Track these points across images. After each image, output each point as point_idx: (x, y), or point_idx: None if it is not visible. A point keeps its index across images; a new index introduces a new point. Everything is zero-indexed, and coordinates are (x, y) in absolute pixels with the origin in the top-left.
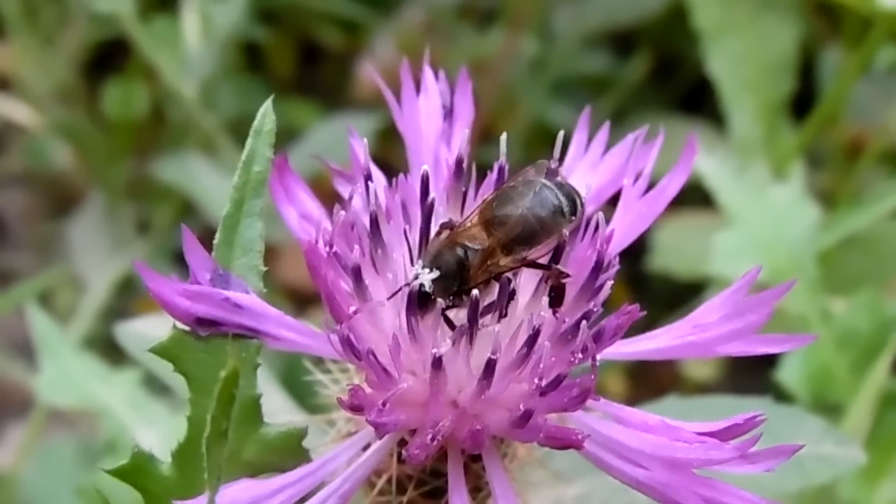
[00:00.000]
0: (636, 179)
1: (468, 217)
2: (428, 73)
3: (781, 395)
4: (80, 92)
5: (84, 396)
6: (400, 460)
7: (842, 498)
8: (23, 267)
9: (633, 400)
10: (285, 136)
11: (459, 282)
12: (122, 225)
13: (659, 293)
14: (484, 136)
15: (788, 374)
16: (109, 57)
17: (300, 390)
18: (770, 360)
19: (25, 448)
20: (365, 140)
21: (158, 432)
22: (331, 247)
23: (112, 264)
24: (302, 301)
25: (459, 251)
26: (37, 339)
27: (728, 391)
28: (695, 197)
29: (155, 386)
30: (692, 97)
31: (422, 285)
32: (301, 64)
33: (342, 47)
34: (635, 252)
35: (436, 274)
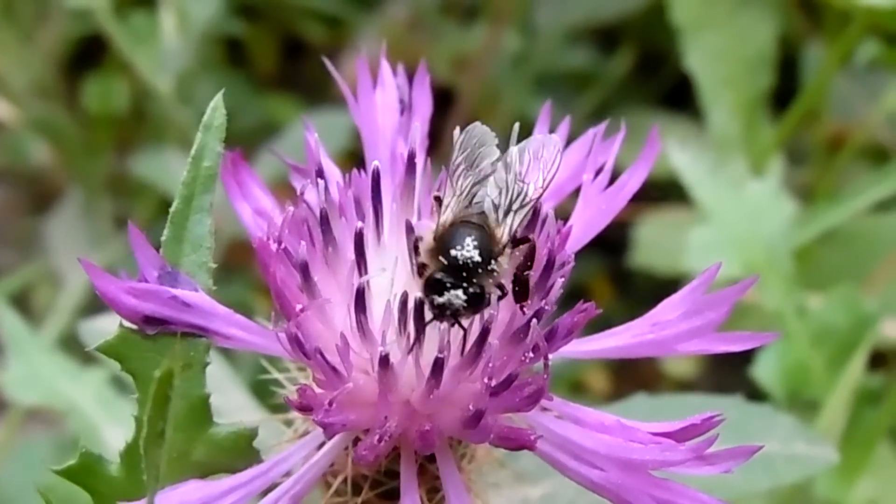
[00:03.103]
0: (597, 174)
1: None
2: (385, 67)
3: (761, 392)
4: (58, 88)
5: (52, 394)
6: (355, 461)
7: (818, 497)
8: (2, 263)
9: (615, 397)
10: (267, 132)
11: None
12: (101, 221)
13: (643, 290)
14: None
15: (763, 371)
16: (88, 52)
17: (268, 389)
18: (751, 357)
19: (2, 446)
20: (316, 134)
21: (126, 430)
22: (280, 243)
23: (90, 260)
24: None
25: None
26: (5, 336)
27: (708, 387)
28: (676, 193)
29: (125, 383)
30: (675, 93)
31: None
32: (284, 59)
33: (325, 43)
34: (619, 248)
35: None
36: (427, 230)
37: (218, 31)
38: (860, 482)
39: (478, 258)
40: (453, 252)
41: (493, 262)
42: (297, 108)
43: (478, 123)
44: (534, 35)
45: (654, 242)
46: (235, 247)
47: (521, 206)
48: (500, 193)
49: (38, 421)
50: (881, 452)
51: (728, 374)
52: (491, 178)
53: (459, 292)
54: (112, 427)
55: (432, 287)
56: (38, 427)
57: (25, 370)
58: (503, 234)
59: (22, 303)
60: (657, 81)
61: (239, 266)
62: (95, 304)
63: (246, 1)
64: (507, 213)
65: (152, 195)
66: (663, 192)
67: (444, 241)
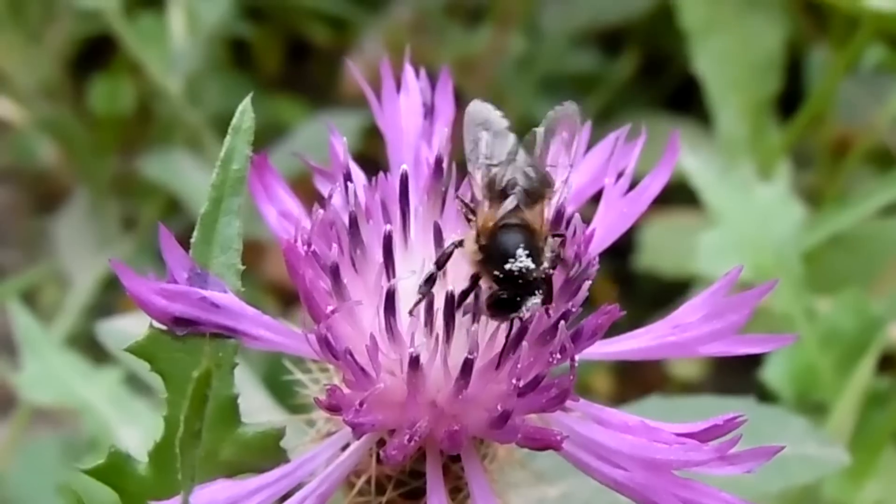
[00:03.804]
0: (618, 178)
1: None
2: (409, 70)
3: (766, 395)
4: (65, 88)
5: (66, 394)
6: (379, 461)
7: (826, 498)
8: (9, 263)
9: (619, 399)
10: (272, 134)
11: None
12: (108, 222)
13: (647, 292)
14: None
15: (773, 374)
16: (95, 53)
17: (283, 390)
18: (756, 360)
19: (9, 446)
20: (345, 138)
21: (140, 430)
22: (309, 246)
23: (97, 261)
24: (287, 299)
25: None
26: (19, 336)
27: (714, 390)
28: (682, 196)
29: (138, 383)
30: (680, 96)
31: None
32: (289, 61)
33: (330, 44)
34: (623, 251)
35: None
36: (468, 238)
37: (225, 33)
38: (868, 484)
39: (531, 265)
40: (508, 266)
41: (542, 262)
42: (301, 109)
43: (476, 102)
44: (539, 37)
45: (659, 245)
46: (244, 248)
47: (553, 192)
48: (529, 181)
49: (45, 421)
50: (888, 455)
51: (733, 376)
52: (518, 166)
53: (535, 299)
54: (126, 427)
55: (504, 306)
56: (44, 427)
57: (40, 370)
58: (543, 226)
59: (28, 303)
60: (661, 84)
61: (247, 267)
62: (102, 305)
63: (251, 2)
64: (540, 199)
65: (159, 196)
66: (668, 195)
67: (492, 249)
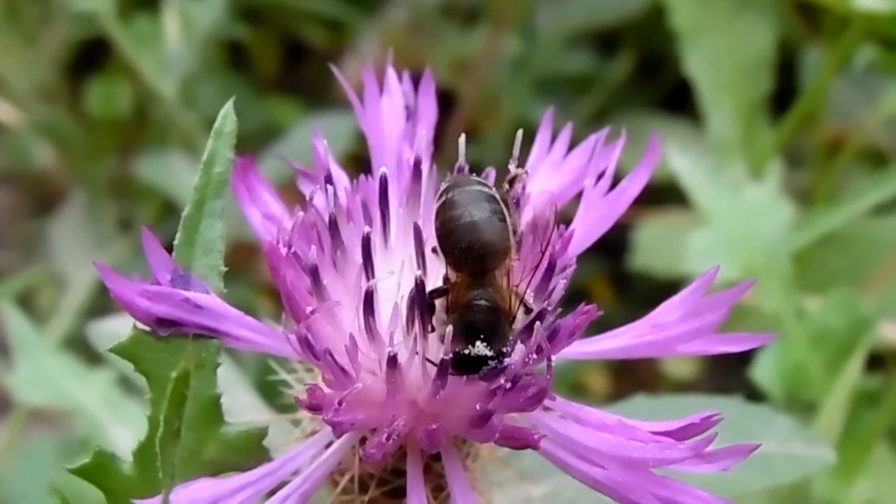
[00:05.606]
0: (599, 179)
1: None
2: (391, 73)
3: (759, 394)
4: (62, 91)
5: (59, 395)
6: (362, 459)
7: (816, 496)
8: (5, 265)
9: (615, 398)
10: (268, 135)
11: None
12: (104, 223)
13: (642, 292)
14: (467, 134)
15: (762, 372)
16: (92, 56)
17: (273, 389)
18: (750, 358)
19: (6, 447)
20: (325, 141)
21: (133, 431)
22: (290, 247)
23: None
24: (281, 301)
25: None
26: (13, 338)
27: (708, 389)
28: (676, 196)
29: (132, 384)
30: (675, 96)
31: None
32: (285, 63)
33: (327, 46)
34: (618, 251)
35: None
36: (440, 305)
37: (220, 35)
38: (858, 482)
39: (487, 353)
40: (465, 351)
41: (505, 343)
42: (298, 111)
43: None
44: (534, 39)
45: (653, 245)
46: (238, 249)
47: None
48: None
49: (42, 422)
50: (879, 453)
51: (727, 375)
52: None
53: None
54: (119, 427)
55: (463, 366)
56: (41, 428)
57: (33, 371)
58: (515, 306)
59: (25, 305)
60: (656, 85)
61: (241, 268)
62: (99, 306)
63: (247, 4)
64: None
65: (155, 198)
66: (663, 194)
67: (456, 328)
